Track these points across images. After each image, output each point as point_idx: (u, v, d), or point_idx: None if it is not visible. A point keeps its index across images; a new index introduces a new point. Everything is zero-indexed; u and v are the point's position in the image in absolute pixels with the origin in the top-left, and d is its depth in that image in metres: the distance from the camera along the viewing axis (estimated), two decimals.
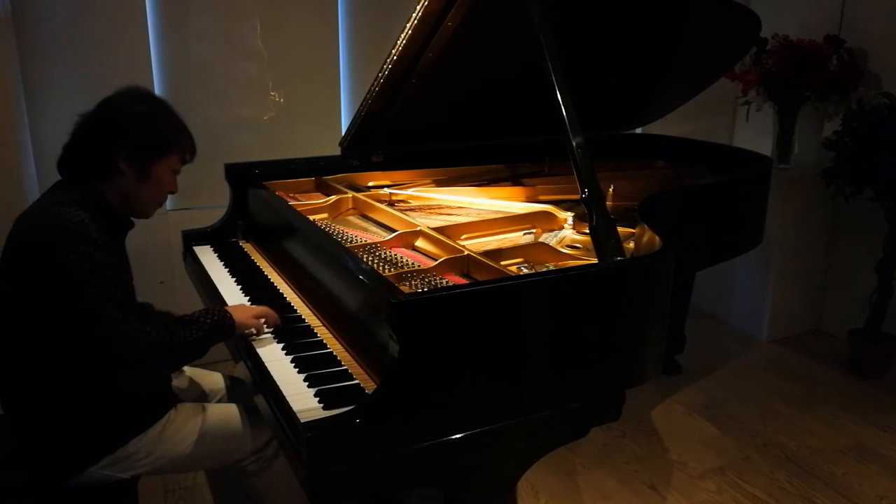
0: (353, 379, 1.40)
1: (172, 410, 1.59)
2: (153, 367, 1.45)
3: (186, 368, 1.85)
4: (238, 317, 1.56)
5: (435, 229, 1.86)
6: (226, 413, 1.66)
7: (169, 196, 1.65)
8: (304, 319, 1.69)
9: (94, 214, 1.45)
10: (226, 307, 1.57)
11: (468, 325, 1.27)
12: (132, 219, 1.63)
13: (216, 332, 1.51)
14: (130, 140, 1.51)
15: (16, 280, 1.44)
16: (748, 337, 3.52)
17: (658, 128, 3.11)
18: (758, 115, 3.40)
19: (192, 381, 1.84)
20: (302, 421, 1.21)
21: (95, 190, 1.53)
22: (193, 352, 1.48)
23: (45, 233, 1.39)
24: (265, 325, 1.61)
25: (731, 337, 3.54)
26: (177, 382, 1.79)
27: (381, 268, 1.65)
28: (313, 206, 2.18)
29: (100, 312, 1.36)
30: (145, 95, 1.62)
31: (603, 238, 1.51)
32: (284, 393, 1.34)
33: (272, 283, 1.95)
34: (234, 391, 1.88)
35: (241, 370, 1.64)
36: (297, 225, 1.89)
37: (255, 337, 1.59)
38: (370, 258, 1.73)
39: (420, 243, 1.87)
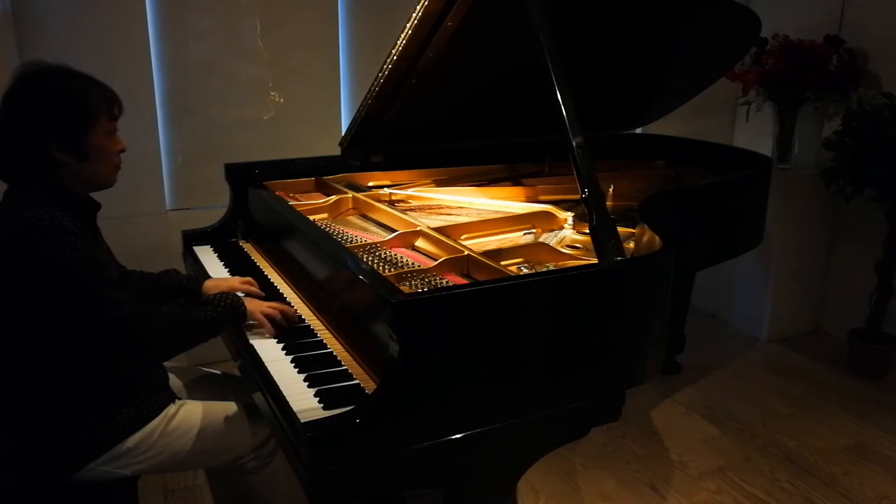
0: (353, 379, 1.40)
1: (172, 406, 1.59)
2: (169, 344, 1.50)
3: (186, 366, 1.85)
4: (250, 305, 1.62)
5: (435, 229, 1.86)
6: (225, 410, 1.66)
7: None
8: (303, 319, 1.69)
9: (60, 207, 1.40)
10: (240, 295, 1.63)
11: (468, 326, 1.27)
12: (99, 198, 1.56)
13: (228, 315, 1.58)
14: (49, 130, 1.41)
15: (2, 286, 1.41)
16: (748, 337, 3.52)
17: (658, 128, 3.11)
18: (758, 115, 3.40)
19: (190, 379, 1.84)
20: (302, 421, 1.22)
21: (49, 183, 1.44)
22: (206, 331, 1.54)
23: (21, 236, 1.35)
24: (283, 320, 1.64)
25: (731, 337, 3.54)
26: (176, 380, 1.79)
27: (381, 268, 1.65)
28: (313, 206, 2.18)
29: (104, 298, 1.38)
30: (41, 75, 1.44)
31: (603, 238, 1.51)
32: (284, 393, 1.34)
33: (272, 283, 1.95)
34: (234, 389, 1.88)
35: (240, 369, 1.64)
36: (297, 225, 1.89)
37: (269, 334, 1.62)
38: (370, 258, 1.73)
39: (420, 243, 1.87)
